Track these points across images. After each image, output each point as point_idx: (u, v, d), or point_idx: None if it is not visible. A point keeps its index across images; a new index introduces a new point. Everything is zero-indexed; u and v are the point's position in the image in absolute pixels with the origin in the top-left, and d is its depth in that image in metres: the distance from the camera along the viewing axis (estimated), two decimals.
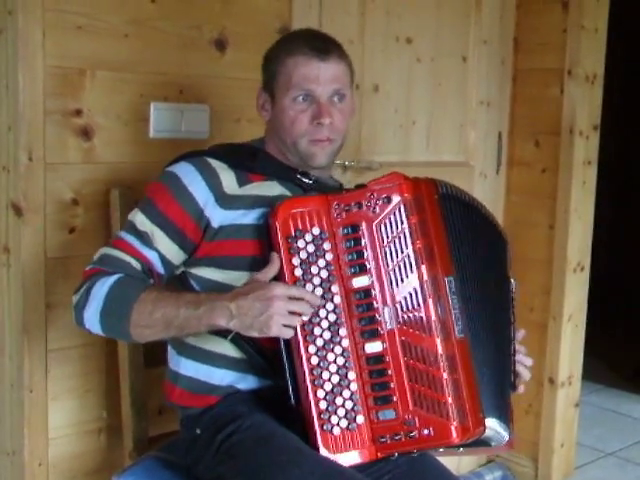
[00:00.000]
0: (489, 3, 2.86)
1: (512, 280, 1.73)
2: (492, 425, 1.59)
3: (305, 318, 1.52)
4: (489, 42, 2.88)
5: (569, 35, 2.80)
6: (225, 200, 1.63)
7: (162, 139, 2.08)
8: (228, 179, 1.65)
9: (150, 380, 1.95)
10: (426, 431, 1.51)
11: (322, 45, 1.67)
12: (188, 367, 1.69)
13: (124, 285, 1.56)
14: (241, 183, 1.66)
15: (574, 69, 2.80)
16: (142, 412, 1.95)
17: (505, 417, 1.64)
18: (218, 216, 1.62)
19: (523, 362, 1.73)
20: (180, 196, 1.62)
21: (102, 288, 1.56)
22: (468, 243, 1.64)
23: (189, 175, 1.64)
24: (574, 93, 2.81)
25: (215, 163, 1.66)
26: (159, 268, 1.63)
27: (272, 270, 1.54)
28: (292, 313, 1.49)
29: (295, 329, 1.51)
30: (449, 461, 1.75)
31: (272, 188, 1.68)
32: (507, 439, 1.64)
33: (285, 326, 1.49)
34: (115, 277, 1.57)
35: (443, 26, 2.74)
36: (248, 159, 1.69)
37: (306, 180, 1.69)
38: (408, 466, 1.63)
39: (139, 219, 1.63)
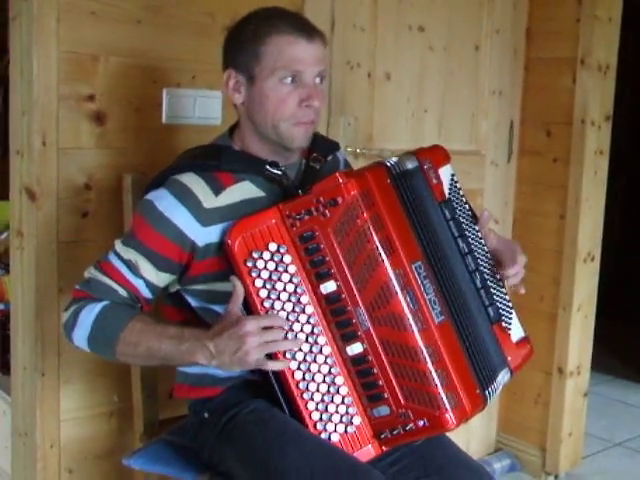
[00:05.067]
0: None
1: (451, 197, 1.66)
2: (495, 385, 1.59)
3: (283, 343, 1.51)
4: (502, 31, 2.87)
5: (582, 25, 2.78)
6: (206, 217, 1.59)
7: (175, 125, 2.09)
8: (203, 192, 1.60)
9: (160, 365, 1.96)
10: (422, 422, 1.50)
11: (307, 26, 1.62)
12: (196, 366, 1.69)
13: (110, 315, 1.58)
14: (216, 191, 1.61)
15: (587, 59, 2.78)
16: (152, 396, 1.97)
17: (502, 362, 1.63)
18: (202, 235, 1.59)
19: (506, 276, 1.70)
20: (159, 224, 1.59)
21: (89, 315, 1.59)
22: (431, 216, 1.60)
23: (165, 201, 1.59)
24: (586, 83, 2.80)
25: (185, 178, 1.61)
26: (146, 294, 1.64)
27: (238, 297, 1.52)
28: (269, 342, 1.49)
29: (277, 355, 1.51)
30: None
31: (245, 190, 1.64)
32: (512, 374, 1.65)
33: (267, 356, 1.49)
34: (101, 305, 1.59)
35: (456, 15, 2.74)
36: (213, 158, 1.64)
37: (275, 171, 1.64)
38: (419, 450, 1.63)
39: (123, 249, 1.62)
